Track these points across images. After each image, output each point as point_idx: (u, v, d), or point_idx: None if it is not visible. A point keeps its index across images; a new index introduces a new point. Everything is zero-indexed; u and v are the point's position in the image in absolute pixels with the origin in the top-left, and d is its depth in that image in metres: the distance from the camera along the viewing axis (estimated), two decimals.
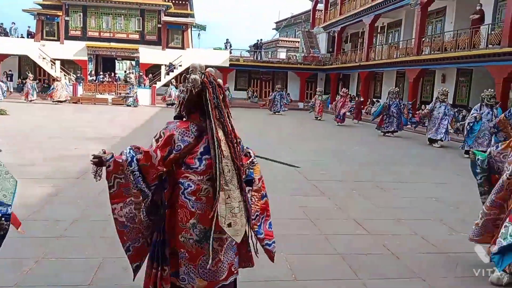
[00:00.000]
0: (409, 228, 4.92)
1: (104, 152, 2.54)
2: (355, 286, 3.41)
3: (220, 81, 2.70)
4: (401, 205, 5.93)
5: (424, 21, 19.46)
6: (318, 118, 20.94)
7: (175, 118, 2.75)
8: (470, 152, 4.07)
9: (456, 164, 9.50)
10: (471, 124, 10.29)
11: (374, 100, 25.42)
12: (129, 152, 2.54)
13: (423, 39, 19.23)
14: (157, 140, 2.55)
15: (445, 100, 12.56)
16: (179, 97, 2.74)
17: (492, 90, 10.79)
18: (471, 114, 10.63)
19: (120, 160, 2.51)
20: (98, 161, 2.53)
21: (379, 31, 26.79)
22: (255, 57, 32.79)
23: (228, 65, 29.83)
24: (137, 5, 29.19)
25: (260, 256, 2.88)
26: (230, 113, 2.69)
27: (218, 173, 2.51)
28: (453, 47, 16.79)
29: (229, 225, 2.52)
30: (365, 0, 24.43)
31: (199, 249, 2.59)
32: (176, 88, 24.07)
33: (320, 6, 34.00)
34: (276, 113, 23.35)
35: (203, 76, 2.63)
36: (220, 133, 2.57)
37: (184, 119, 2.71)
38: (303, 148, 11.28)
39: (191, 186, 2.57)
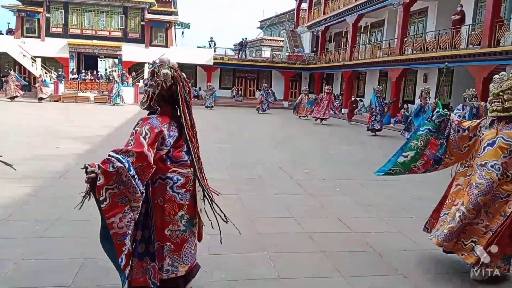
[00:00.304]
0: (392, 225, 4.98)
1: (90, 166, 2.36)
2: (338, 283, 3.43)
3: (183, 74, 2.81)
4: (384, 203, 5.99)
5: (407, 21, 19.71)
6: (302, 117, 20.96)
7: (149, 114, 2.77)
8: (434, 101, 3.95)
9: None
10: None
11: (358, 99, 25.64)
12: (123, 157, 2.38)
13: (406, 39, 19.46)
14: (144, 138, 2.51)
15: (428, 98, 12.73)
16: (147, 91, 2.74)
17: (474, 89, 10.96)
18: (454, 114, 10.80)
19: (112, 170, 2.35)
20: (95, 176, 2.32)
21: (362, 30, 27.01)
22: (239, 56, 32.76)
23: (212, 64, 29.77)
24: (119, 2, 28.86)
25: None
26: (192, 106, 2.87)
27: (195, 162, 2.76)
28: (435, 47, 17.04)
29: (201, 210, 2.82)
30: (348, 0, 24.61)
31: (183, 238, 2.77)
32: None
33: (304, 5, 34.13)
34: (261, 112, 23.35)
35: (172, 70, 2.70)
36: (190, 125, 2.76)
37: (157, 112, 2.73)
38: (287, 147, 11.31)
39: (180, 180, 2.70)
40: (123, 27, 29.45)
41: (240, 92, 31.82)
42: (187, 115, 2.74)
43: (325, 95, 19.10)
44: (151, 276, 2.68)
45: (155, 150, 2.53)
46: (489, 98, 3.56)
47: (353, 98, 22.74)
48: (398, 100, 20.12)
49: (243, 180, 7.00)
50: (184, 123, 2.71)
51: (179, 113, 2.74)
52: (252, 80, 32.82)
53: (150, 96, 2.71)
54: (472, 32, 15.40)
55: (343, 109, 24.68)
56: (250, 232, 4.48)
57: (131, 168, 2.39)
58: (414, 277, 3.58)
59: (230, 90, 31.88)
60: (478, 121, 3.65)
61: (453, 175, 3.87)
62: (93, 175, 2.31)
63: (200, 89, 30.23)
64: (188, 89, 2.79)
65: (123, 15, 29.37)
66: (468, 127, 3.60)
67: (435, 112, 3.71)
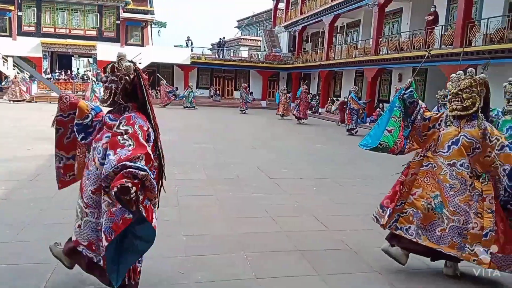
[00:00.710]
0: (366, 223, 5.02)
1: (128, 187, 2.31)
2: (314, 282, 3.46)
3: None
4: (358, 201, 6.07)
5: (382, 21, 19.99)
6: (283, 116, 20.87)
7: (114, 110, 2.79)
8: (409, 80, 3.75)
9: None
10: None
11: (334, 99, 25.90)
12: (141, 165, 2.40)
13: (381, 39, 19.75)
14: (141, 138, 2.58)
15: None
16: (109, 87, 2.74)
17: (447, 90, 11.18)
18: None
19: (137, 181, 2.38)
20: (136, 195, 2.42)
21: (338, 31, 27.28)
22: (217, 55, 32.63)
23: (189, 63, 29.53)
24: (94, 0, 28.36)
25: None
26: None
27: (163, 154, 2.85)
28: (409, 47, 17.35)
29: None
30: (325, 0, 24.82)
31: None
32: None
33: (281, 5, 34.26)
34: (240, 111, 23.25)
35: (133, 63, 2.76)
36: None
37: (128, 109, 2.75)
38: (266, 147, 11.34)
39: (154, 172, 2.80)
40: (98, 26, 28.96)
41: (218, 92, 31.69)
42: (152, 107, 2.80)
43: (303, 94, 19.11)
44: (139, 274, 2.83)
45: None
46: (448, 97, 3.60)
47: (344, 99, 22.64)
48: (373, 100, 20.40)
49: (221, 180, 6.98)
50: (152, 115, 2.76)
51: (144, 106, 2.77)
52: (230, 80, 32.74)
53: (113, 92, 2.72)
54: (445, 33, 15.73)
55: (320, 109, 24.94)
56: (227, 232, 4.47)
57: (150, 171, 2.45)
58: (389, 274, 3.63)
59: (207, 89, 31.73)
60: (440, 113, 3.67)
61: (406, 166, 3.77)
62: (134, 194, 2.32)
63: (177, 88, 29.96)
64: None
65: (98, 14, 28.88)
66: (429, 117, 3.62)
67: (408, 90, 3.66)
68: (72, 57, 31.01)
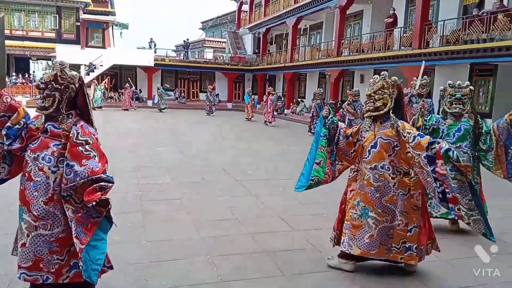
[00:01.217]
0: (330, 222, 5.08)
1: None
2: (280, 282, 3.48)
3: None
4: (322, 201, 6.13)
5: (343, 24, 20.35)
6: (249, 119, 20.90)
7: (57, 117, 2.73)
8: (326, 108, 3.92)
9: None
10: None
11: (299, 100, 26.16)
12: (110, 176, 2.62)
13: (343, 41, 20.11)
14: (100, 147, 2.73)
15: (358, 100, 12.87)
16: (51, 95, 2.69)
17: (408, 89, 11.50)
18: None
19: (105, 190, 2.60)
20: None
21: (302, 33, 27.59)
22: (182, 57, 32.27)
23: (153, 65, 29.06)
24: (52, 1, 27.52)
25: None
26: None
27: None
28: (370, 48, 17.75)
29: None
30: (288, 2, 25.04)
31: None
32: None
33: (245, 7, 34.31)
34: (207, 113, 23.05)
35: (77, 72, 2.81)
36: None
37: (72, 117, 2.75)
38: (233, 149, 11.32)
39: None
40: (57, 27, 28.13)
41: (183, 94, 31.35)
42: (92, 113, 2.85)
43: (271, 96, 19.14)
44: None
45: None
46: (364, 101, 3.76)
47: (332, 101, 22.60)
48: (336, 104, 20.67)
49: (187, 183, 6.91)
50: (93, 123, 2.82)
51: (84, 113, 2.82)
52: (195, 82, 32.44)
53: (58, 100, 2.69)
54: (404, 34, 16.20)
55: (285, 110, 25.14)
56: (192, 236, 4.43)
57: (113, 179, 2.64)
58: (354, 273, 3.69)
59: (172, 92, 31.33)
60: (358, 126, 3.79)
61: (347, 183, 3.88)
62: (110, 205, 2.57)
63: (140, 91, 29.46)
64: None
65: (57, 15, 28.06)
66: (350, 133, 3.75)
67: (329, 117, 3.80)
68: (30, 60, 29.94)
